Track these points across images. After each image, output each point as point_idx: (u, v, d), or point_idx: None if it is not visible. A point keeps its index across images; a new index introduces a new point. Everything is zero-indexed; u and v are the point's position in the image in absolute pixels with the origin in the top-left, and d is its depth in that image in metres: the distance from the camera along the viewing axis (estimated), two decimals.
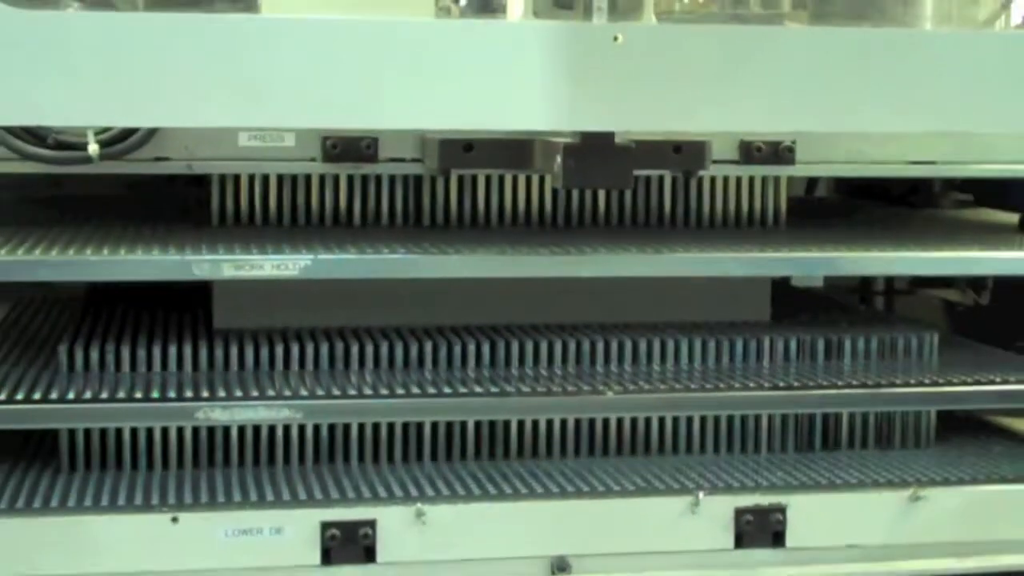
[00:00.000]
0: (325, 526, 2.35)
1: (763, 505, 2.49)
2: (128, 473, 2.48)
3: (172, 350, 2.55)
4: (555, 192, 2.71)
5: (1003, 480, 2.61)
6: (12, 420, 2.41)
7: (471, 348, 2.61)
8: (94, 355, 2.52)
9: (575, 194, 2.74)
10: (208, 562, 2.34)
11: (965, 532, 2.57)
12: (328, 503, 2.39)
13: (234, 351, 2.56)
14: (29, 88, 2.18)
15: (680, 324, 2.80)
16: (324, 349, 2.57)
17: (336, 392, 2.47)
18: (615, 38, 2.27)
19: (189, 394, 2.42)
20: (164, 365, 2.55)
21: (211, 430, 2.50)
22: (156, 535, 2.32)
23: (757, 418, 2.68)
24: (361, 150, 2.58)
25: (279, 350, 2.57)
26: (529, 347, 2.64)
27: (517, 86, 2.27)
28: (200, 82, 2.21)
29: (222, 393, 2.43)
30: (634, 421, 2.63)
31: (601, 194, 2.75)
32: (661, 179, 2.78)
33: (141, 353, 2.54)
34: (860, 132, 2.69)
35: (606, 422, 2.63)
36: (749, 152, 2.69)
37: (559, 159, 2.43)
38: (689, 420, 2.66)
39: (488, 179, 2.74)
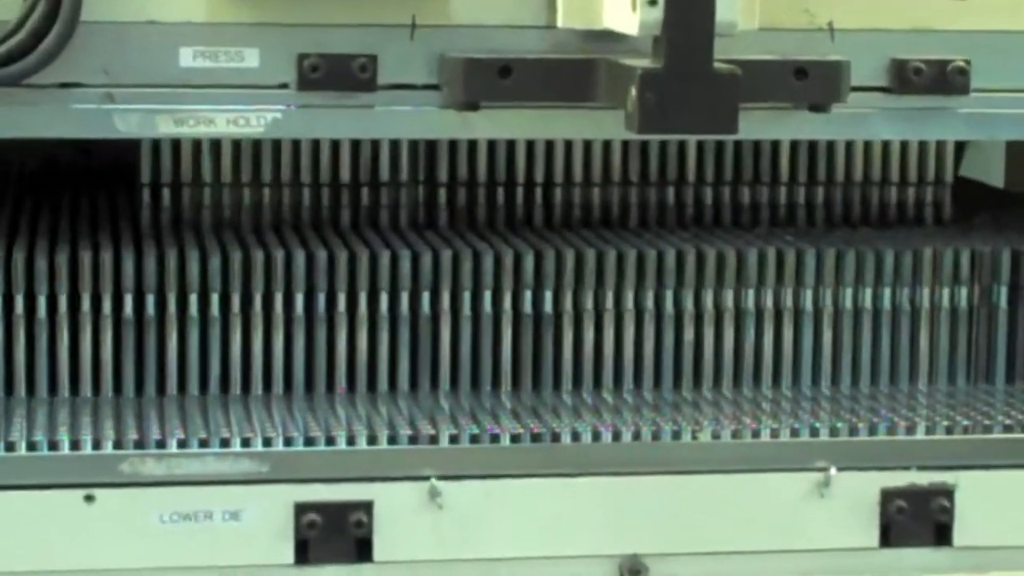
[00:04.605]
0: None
1: (920, 485, 2.01)
2: None
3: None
4: None
5: None
6: None
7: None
8: None
9: None
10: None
11: None
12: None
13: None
14: None
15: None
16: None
17: (312, 430, 1.94)
18: None
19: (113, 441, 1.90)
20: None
21: None
22: None
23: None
24: (353, 73, 2.01)
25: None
26: None
27: None
28: None
29: (157, 436, 1.91)
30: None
31: None
32: None
33: None
34: None
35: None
36: (903, 75, 2.14)
37: (633, 92, 1.89)
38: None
39: None
